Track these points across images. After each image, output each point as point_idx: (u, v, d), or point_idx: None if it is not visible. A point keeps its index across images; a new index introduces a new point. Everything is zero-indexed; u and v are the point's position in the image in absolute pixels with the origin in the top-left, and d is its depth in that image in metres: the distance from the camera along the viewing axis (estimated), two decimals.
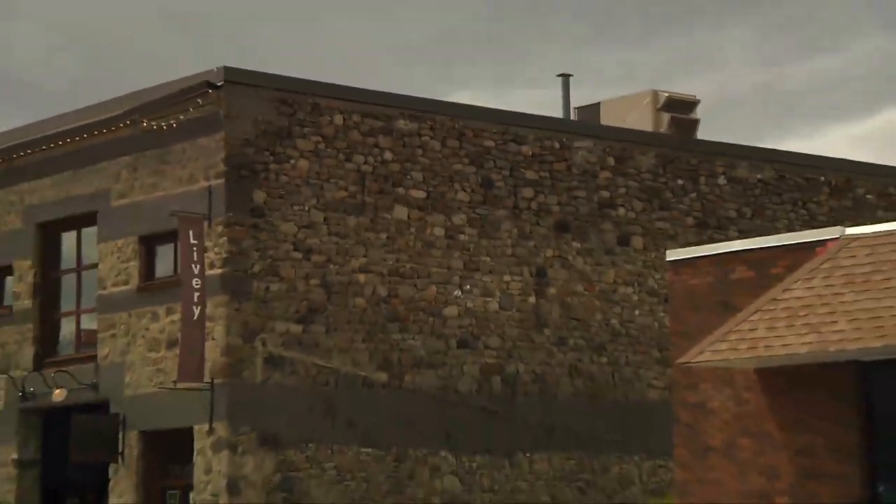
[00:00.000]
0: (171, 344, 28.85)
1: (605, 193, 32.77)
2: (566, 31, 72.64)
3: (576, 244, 32.28)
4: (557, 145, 32.31)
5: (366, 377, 29.42)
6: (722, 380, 22.48)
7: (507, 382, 31.10)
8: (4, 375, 32.19)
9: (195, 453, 28.45)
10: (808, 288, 21.37)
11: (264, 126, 28.79)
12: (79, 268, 32.43)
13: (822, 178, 35.80)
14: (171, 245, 29.22)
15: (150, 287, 29.93)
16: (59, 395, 30.90)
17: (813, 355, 20.67)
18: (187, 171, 29.19)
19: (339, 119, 29.63)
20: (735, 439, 22.36)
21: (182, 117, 29.03)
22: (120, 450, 29.79)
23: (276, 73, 29.31)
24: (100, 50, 69.54)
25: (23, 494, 32.16)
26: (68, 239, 32.69)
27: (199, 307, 27.91)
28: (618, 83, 77.82)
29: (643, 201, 33.25)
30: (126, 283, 30.33)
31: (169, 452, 29.68)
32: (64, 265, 32.84)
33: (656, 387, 32.36)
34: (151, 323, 29.63)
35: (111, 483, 30.11)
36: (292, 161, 29.03)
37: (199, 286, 27.93)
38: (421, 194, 30.45)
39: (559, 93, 37.25)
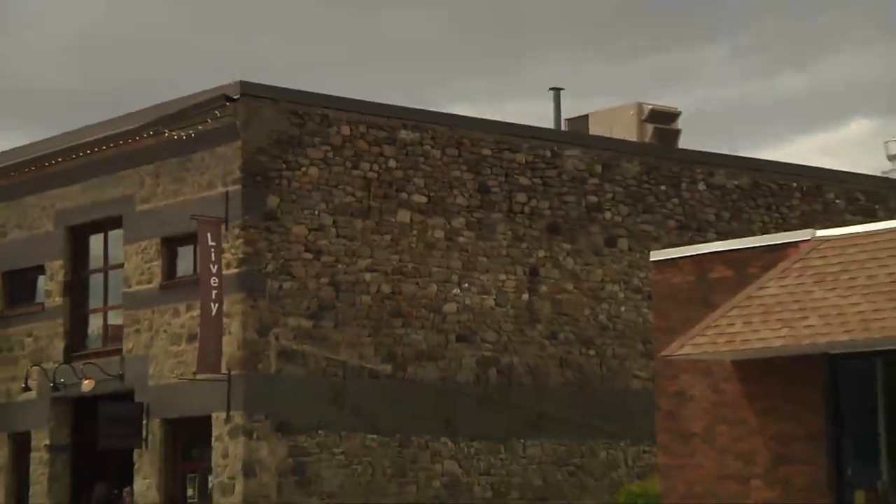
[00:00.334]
0: (191, 338, 28.83)
1: (594, 198, 32.74)
2: (557, 48, 72.64)
3: (566, 245, 32.26)
4: (549, 154, 32.29)
5: (371, 369, 29.40)
6: (701, 371, 22.45)
7: (503, 374, 31.07)
8: (37, 367, 32.16)
9: (213, 439, 28.44)
10: (782, 286, 21.35)
11: (277, 136, 28.77)
12: (106, 268, 32.41)
13: (794, 185, 35.78)
14: (191, 246, 29.18)
15: (172, 285, 29.91)
16: (87, 385, 30.89)
17: (785, 348, 20.65)
18: (206, 177, 29.16)
19: (346, 129, 29.61)
20: (713, 426, 22.32)
21: (201, 128, 29.03)
22: (144, 436, 29.77)
23: (289, 86, 29.31)
24: (122, 63, 69.51)
25: (54, 477, 32.18)
26: (96, 241, 32.67)
27: (217, 304, 27.88)
28: (605, 96, 77.93)
29: (628, 206, 33.23)
30: (149, 281, 30.31)
31: (189, 438, 29.67)
32: (92, 265, 32.83)
33: (640, 377, 32.32)
34: (173, 318, 29.60)
35: (136, 466, 30.09)
36: (303, 168, 29.01)
37: (216, 284, 27.91)
38: (422, 199, 30.42)
39: (551, 105, 37.34)
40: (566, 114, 37.11)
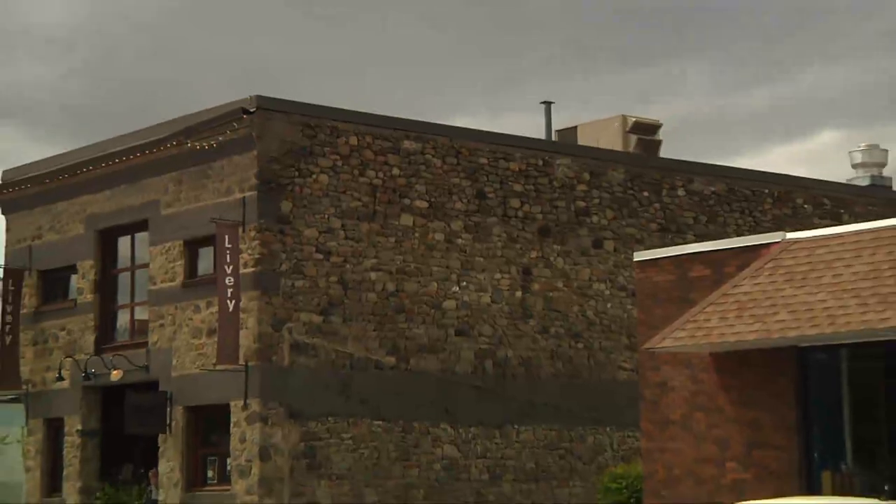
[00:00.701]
0: (210, 332, 28.76)
1: (582, 203, 32.67)
2: (549, 65, 72.56)
3: (556, 247, 32.19)
4: (541, 162, 32.22)
5: (377, 361, 29.32)
6: (681, 363, 22.40)
7: (498, 365, 31.01)
8: (70, 358, 32.09)
9: (232, 425, 28.36)
10: (755, 284, 21.28)
11: (290, 146, 28.71)
12: (132, 267, 32.34)
13: (766, 191, 35.71)
14: (211, 248, 29.10)
15: (193, 283, 29.83)
16: (116, 375, 30.82)
17: (758, 342, 20.59)
18: (225, 184, 29.10)
19: (353, 140, 29.54)
20: (692, 413, 22.27)
21: (220, 139, 28.96)
22: (168, 422, 29.70)
23: (301, 100, 29.26)
24: (145, 78, 69.46)
25: (85, 459, 32.11)
26: (123, 243, 32.60)
27: (233, 301, 27.81)
28: (592, 110, 77.86)
29: (614, 210, 33.16)
30: (173, 280, 30.23)
31: (209, 424, 29.58)
32: (120, 265, 32.76)
33: (625, 369, 32.26)
34: (194, 314, 29.52)
35: (160, 450, 30.01)
36: (314, 176, 28.93)
37: (231, 283, 27.83)
38: (424, 204, 30.35)
39: (542, 118, 37.23)
40: (556, 125, 37.07)
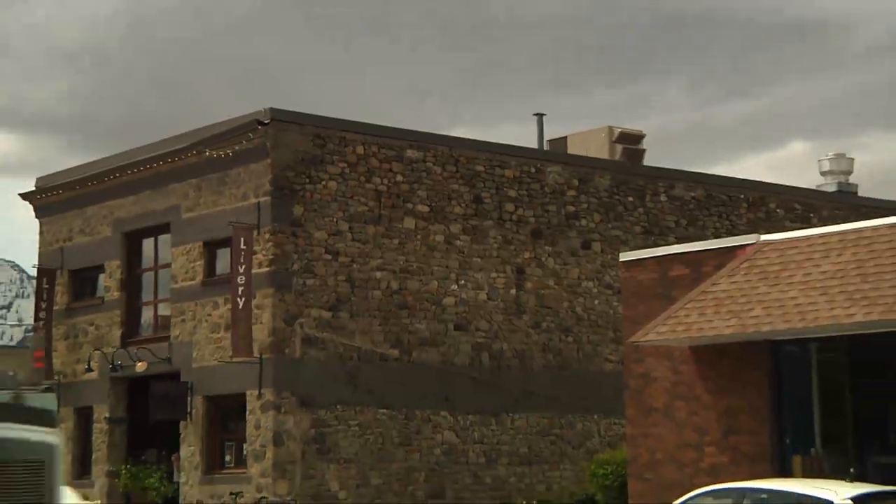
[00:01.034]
0: (228, 327, 28.73)
1: (571, 208, 32.66)
2: (541, 81, 72.58)
3: (548, 248, 32.17)
4: (533, 170, 32.21)
5: (382, 353, 29.31)
6: (663, 355, 22.40)
7: (494, 357, 30.99)
8: (98, 351, 32.10)
9: (247, 413, 28.35)
10: (731, 283, 21.28)
11: (302, 155, 28.70)
12: (156, 267, 32.32)
13: (742, 196, 35.70)
14: (228, 249, 29.09)
15: (212, 282, 29.83)
16: (140, 366, 30.82)
17: (734, 336, 20.61)
18: (241, 190, 29.09)
19: (360, 149, 29.53)
20: (673, 402, 22.27)
21: (237, 148, 28.96)
22: (188, 410, 29.69)
23: (311, 112, 29.26)
24: (167, 92, 69.46)
25: (113, 444, 32.11)
26: (147, 244, 32.59)
27: (244, 298, 27.78)
28: (581, 121, 77.87)
29: (601, 214, 33.14)
30: (193, 278, 30.22)
31: (227, 412, 29.57)
32: (144, 264, 32.75)
33: (611, 361, 32.24)
34: (213, 310, 29.51)
35: (182, 436, 30.00)
36: (323, 182, 28.92)
37: (243, 282, 27.82)
38: (425, 208, 30.34)
39: (535, 128, 37.19)
40: (548, 136, 37.03)
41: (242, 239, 27.96)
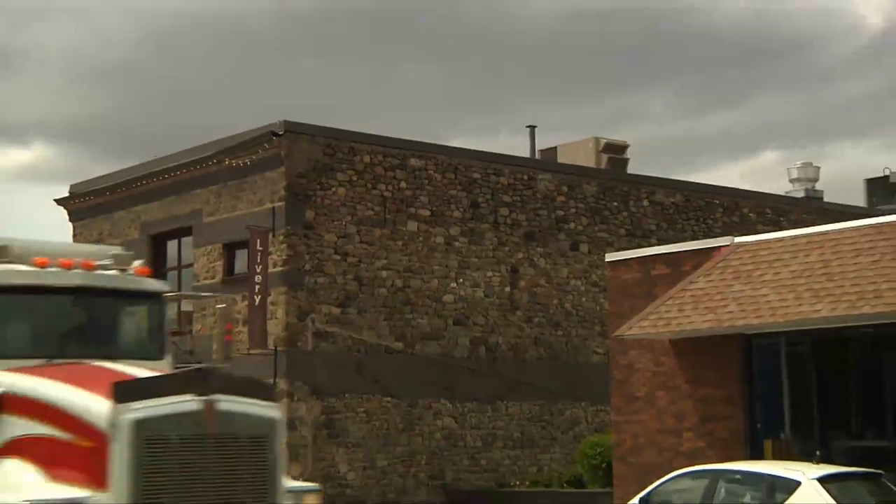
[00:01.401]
0: (246, 322, 28.75)
1: (561, 212, 32.69)
2: (533, 95, 72.57)
3: (539, 249, 32.21)
4: (526, 177, 32.24)
5: (387, 346, 29.34)
6: (645, 348, 22.43)
7: (490, 350, 31.03)
8: None
9: None
10: (708, 281, 21.32)
11: (313, 164, 28.73)
12: (179, 266, 32.34)
13: (717, 202, 35.73)
14: (246, 250, 29.11)
15: (231, 281, 29.85)
16: None
17: (711, 330, 20.64)
18: (258, 196, 29.13)
19: (367, 158, 29.56)
20: (654, 391, 22.31)
21: (254, 157, 28.98)
22: None
23: (322, 124, 29.29)
24: (190, 106, 69.47)
25: None
26: (172, 246, 32.60)
27: (259, 296, 27.77)
28: (570, 132, 77.83)
29: (588, 218, 33.18)
30: (213, 277, 30.25)
31: None
32: (169, 264, 32.75)
33: (598, 353, 32.27)
34: (232, 306, 29.50)
35: None
36: (333, 189, 28.96)
37: (259, 281, 27.83)
38: (426, 213, 30.38)
39: (527, 139, 37.25)
40: (539, 146, 37.07)
41: (259, 241, 28.00)
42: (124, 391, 10.69)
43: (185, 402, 10.65)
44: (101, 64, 70.38)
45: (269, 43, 69.63)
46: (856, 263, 19.60)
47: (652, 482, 18.33)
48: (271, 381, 27.92)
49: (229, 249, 30.14)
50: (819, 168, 40.26)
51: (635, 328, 21.46)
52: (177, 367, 13.41)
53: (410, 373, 29.54)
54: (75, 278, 13.02)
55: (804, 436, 20.47)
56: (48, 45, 70.79)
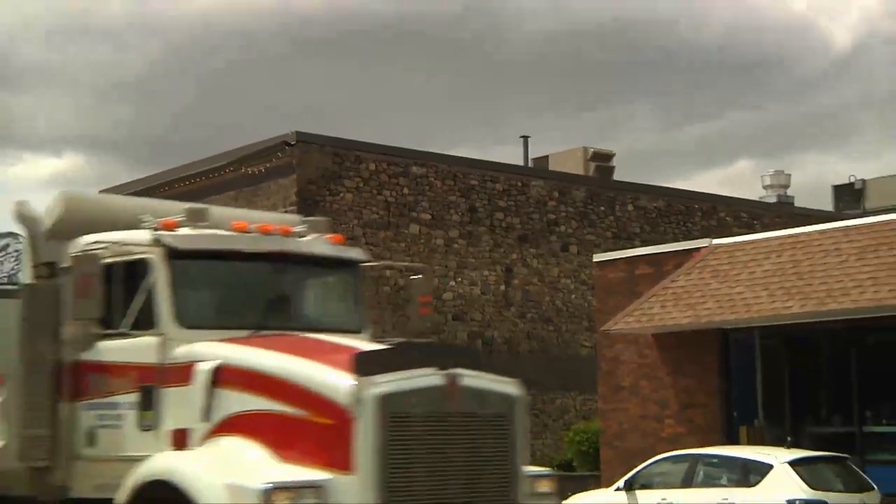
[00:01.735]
0: None
1: (552, 216, 32.76)
2: (527, 107, 72.68)
3: (532, 250, 32.27)
4: (520, 184, 32.30)
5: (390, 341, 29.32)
6: (630, 342, 22.53)
7: (486, 343, 31.06)
8: None
9: None
10: (688, 280, 21.44)
11: (322, 171, 28.80)
12: None
13: (697, 206, 35.79)
14: None
15: None
16: None
17: (690, 325, 20.74)
18: (271, 201, 29.16)
19: (372, 166, 29.61)
20: (638, 381, 22.41)
21: (268, 165, 29.03)
22: None
23: (331, 135, 29.38)
24: (209, 118, 69.55)
25: None
26: None
27: None
28: (560, 142, 77.95)
29: (577, 221, 33.24)
30: None
31: None
32: None
33: (586, 346, 32.31)
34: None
35: None
36: (341, 194, 29.02)
37: None
38: (427, 216, 30.44)
39: (521, 148, 37.35)
40: (532, 155, 37.17)
41: None
42: (367, 364, 9.09)
43: (429, 377, 9.26)
44: (126, 79, 70.63)
45: (276, 50, 69.82)
46: (824, 264, 19.74)
47: (636, 465, 18.44)
48: None
49: None
50: (790, 175, 40.46)
51: (621, 323, 21.57)
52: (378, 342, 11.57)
53: None
54: (285, 244, 11.13)
55: (776, 423, 20.58)
56: (80, 62, 71.06)
